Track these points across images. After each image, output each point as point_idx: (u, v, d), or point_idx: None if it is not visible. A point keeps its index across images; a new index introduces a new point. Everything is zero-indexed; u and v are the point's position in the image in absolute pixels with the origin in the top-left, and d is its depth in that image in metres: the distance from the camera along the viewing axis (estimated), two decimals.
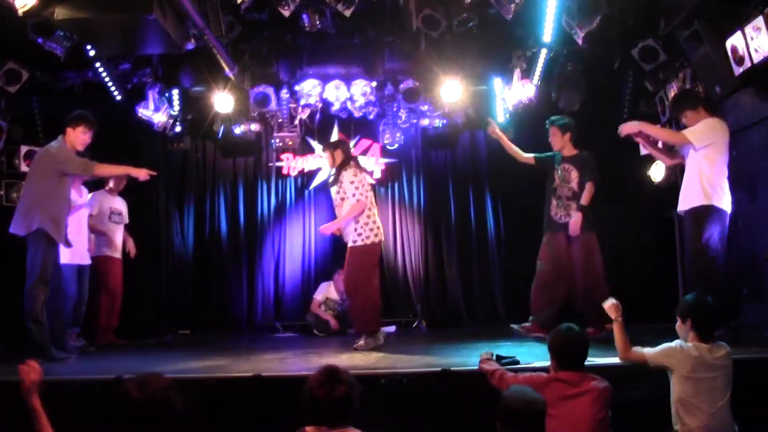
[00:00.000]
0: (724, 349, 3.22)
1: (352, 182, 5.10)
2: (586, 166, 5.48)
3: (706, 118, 4.66)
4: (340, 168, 5.23)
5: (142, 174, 5.14)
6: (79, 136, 4.91)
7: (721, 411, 3.06)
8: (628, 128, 4.98)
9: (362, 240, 5.05)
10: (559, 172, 5.59)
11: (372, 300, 5.08)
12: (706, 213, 4.49)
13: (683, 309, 3.34)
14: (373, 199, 5.27)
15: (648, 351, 3.37)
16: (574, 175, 5.50)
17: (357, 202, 5.06)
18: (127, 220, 6.51)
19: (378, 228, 5.14)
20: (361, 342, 5.05)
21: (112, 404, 2.34)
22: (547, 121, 5.69)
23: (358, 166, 5.29)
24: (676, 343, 3.26)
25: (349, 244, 5.13)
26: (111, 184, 6.32)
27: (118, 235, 6.35)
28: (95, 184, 6.23)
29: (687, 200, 4.66)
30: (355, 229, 5.07)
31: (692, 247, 4.60)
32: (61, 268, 5.03)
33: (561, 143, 5.60)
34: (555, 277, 5.41)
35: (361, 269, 5.04)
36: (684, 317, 3.31)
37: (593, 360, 3.60)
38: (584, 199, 5.33)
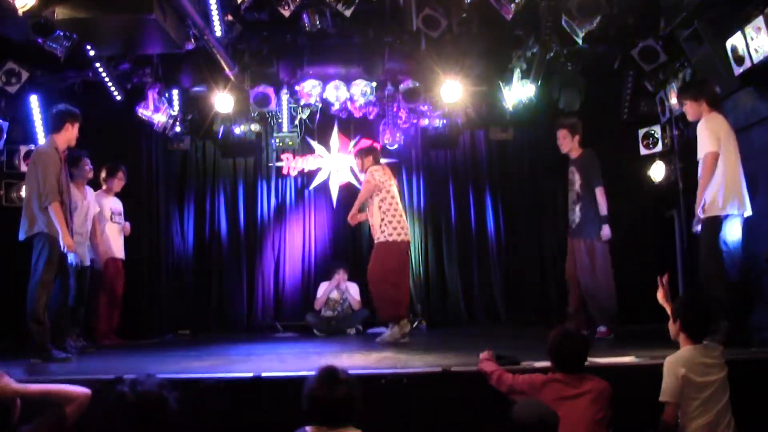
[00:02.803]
0: (717, 349, 3.21)
1: (371, 172, 5.46)
2: (589, 168, 5.46)
3: (706, 111, 4.47)
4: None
5: (69, 240, 4.67)
6: (75, 133, 4.90)
7: (722, 411, 3.05)
8: None
9: (385, 237, 5.36)
10: (568, 176, 5.66)
11: (390, 291, 5.32)
12: (720, 221, 4.30)
13: (674, 309, 3.34)
14: (399, 200, 5.56)
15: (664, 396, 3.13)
16: (578, 177, 5.54)
17: (366, 183, 5.46)
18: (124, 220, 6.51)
19: (402, 228, 5.42)
20: (385, 334, 5.31)
21: (111, 407, 2.35)
22: (557, 123, 5.71)
23: (386, 168, 5.65)
24: (668, 365, 3.15)
25: (375, 241, 5.48)
26: (108, 184, 6.32)
27: (120, 235, 6.36)
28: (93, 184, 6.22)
29: (704, 208, 4.39)
30: (380, 227, 5.39)
31: (707, 255, 4.37)
32: (67, 268, 5.04)
33: (571, 145, 5.60)
34: (571, 281, 5.61)
35: (383, 263, 5.35)
36: (675, 318, 3.30)
37: (594, 360, 3.61)
38: (602, 208, 5.36)
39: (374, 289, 5.46)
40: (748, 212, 4.41)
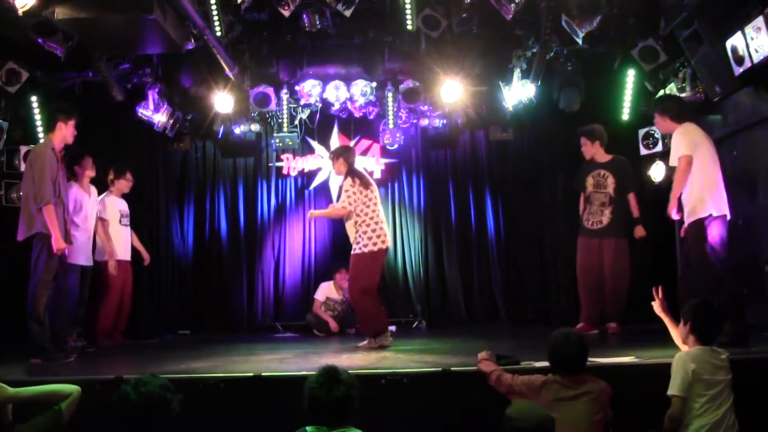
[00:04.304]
0: (724, 353, 3.22)
1: (347, 191, 5.13)
2: (626, 174, 5.78)
3: (673, 126, 4.61)
4: (344, 177, 5.25)
5: (60, 244, 4.64)
6: (71, 130, 4.88)
7: (726, 412, 3.05)
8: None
9: (360, 248, 5.07)
10: (593, 179, 5.83)
11: (371, 304, 5.12)
12: (703, 224, 4.37)
13: (684, 311, 3.34)
14: (379, 207, 5.21)
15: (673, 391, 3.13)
16: (611, 181, 5.77)
17: (341, 209, 5.15)
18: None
19: (378, 237, 5.07)
20: (365, 342, 5.15)
21: (112, 407, 2.35)
22: (578, 130, 5.95)
23: (359, 175, 5.25)
24: (678, 360, 3.15)
25: (351, 251, 5.19)
26: (117, 185, 6.33)
27: (127, 237, 6.38)
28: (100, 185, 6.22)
29: (687, 213, 4.50)
30: (356, 239, 5.12)
31: (696, 257, 4.44)
32: (69, 268, 5.02)
33: (592, 151, 5.88)
34: (592, 280, 5.75)
35: (360, 276, 5.09)
36: (685, 320, 3.31)
37: (594, 360, 3.61)
38: (635, 211, 5.76)
39: (357, 305, 5.28)
40: (728, 215, 4.44)
